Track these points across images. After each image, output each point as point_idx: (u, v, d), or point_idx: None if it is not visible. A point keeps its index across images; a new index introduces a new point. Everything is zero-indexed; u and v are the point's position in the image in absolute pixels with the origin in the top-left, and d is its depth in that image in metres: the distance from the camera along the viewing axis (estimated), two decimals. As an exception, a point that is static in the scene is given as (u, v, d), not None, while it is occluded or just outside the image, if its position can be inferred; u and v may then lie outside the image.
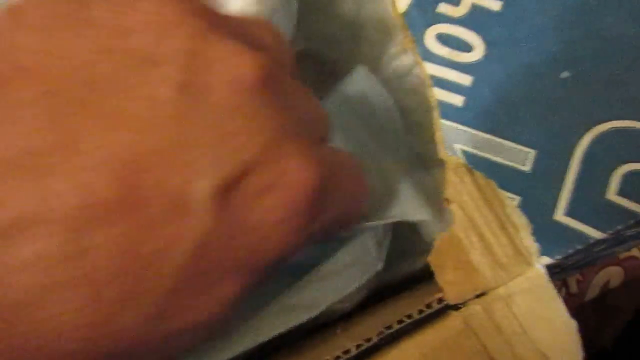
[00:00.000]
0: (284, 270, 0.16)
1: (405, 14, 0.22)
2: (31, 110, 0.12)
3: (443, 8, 0.22)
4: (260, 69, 0.14)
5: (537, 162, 0.20)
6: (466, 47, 0.22)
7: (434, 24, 0.22)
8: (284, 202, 0.14)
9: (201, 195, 0.12)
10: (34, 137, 0.11)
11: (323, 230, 0.16)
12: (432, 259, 0.20)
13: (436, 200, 0.24)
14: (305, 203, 0.14)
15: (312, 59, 0.37)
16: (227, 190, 0.13)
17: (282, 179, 0.14)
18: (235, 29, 0.15)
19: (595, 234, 0.19)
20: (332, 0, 0.37)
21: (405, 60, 0.35)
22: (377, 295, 0.24)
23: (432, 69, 0.22)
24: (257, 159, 0.13)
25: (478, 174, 0.21)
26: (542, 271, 0.19)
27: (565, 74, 0.21)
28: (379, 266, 0.22)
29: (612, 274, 0.39)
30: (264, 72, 0.14)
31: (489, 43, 0.22)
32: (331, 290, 0.21)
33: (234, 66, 0.14)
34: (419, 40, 0.22)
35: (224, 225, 0.13)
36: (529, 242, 0.20)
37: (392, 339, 0.19)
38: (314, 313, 0.21)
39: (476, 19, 0.22)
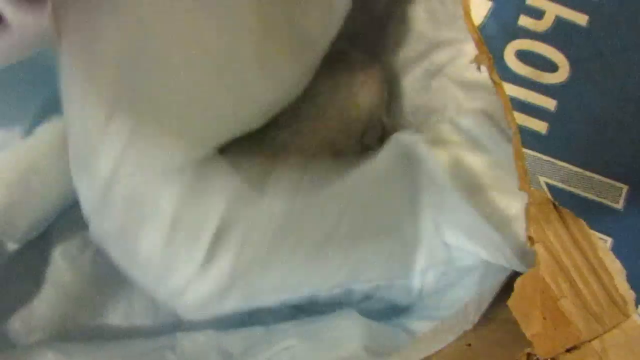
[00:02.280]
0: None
1: (482, 27, 0.20)
2: None
3: (524, 21, 0.20)
4: None
5: (630, 199, 0.18)
6: (550, 67, 0.20)
7: (515, 39, 0.20)
8: None
9: None
10: None
11: None
12: (513, 305, 0.18)
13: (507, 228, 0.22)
14: None
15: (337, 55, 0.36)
16: None
17: None
18: None
19: (698, 281, 0.18)
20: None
21: (435, 59, 0.33)
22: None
23: (512, 90, 0.20)
24: None
25: (565, 211, 0.19)
26: None
27: (661, 98, 0.19)
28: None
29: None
30: None
31: (574, 61, 0.20)
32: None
33: None
34: (497, 58, 0.20)
35: None
36: (624, 290, 0.18)
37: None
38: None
39: (561, 35, 0.20)
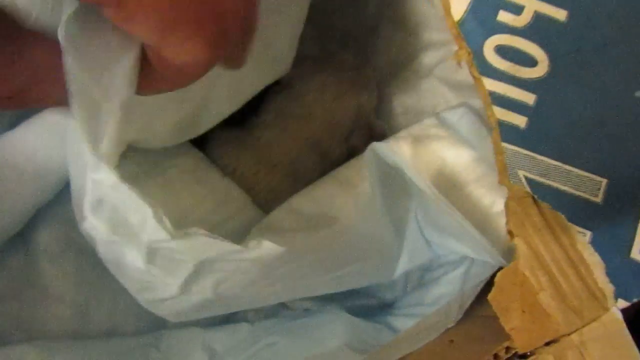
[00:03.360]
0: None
1: (461, 23, 0.20)
2: None
3: (503, 17, 0.20)
4: None
5: (609, 192, 0.18)
6: (529, 62, 0.20)
7: (494, 35, 0.20)
8: None
9: None
10: None
11: None
12: (494, 299, 0.18)
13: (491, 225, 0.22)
14: None
15: (328, 57, 0.36)
16: None
17: None
18: None
19: (677, 274, 0.18)
20: None
21: (425, 60, 0.33)
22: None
23: (492, 85, 0.20)
24: None
25: (544, 205, 0.19)
26: (618, 315, 0.18)
27: (639, 93, 0.19)
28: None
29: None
30: None
31: (553, 57, 0.20)
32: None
33: None
34: (476, 53, 0.20)
35: None
36: (603, 283, 0.18)
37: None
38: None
39: (540, 30, 0.20)
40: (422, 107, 0.34)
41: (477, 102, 0.27)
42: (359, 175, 0.23)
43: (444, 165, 0.25)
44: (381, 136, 0.32)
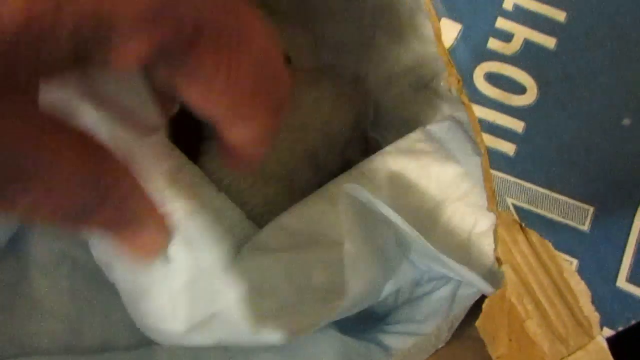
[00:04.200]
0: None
1: (452, 49, 0.20)
2: None
3: (493, 44, 0.20)
4: None
5: (596, 220, 0.19)
6: (518, 89, 0.20)
7: (484, 62, 0.20)
8: None
9: None
10: None
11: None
12: (481, 325, 0.19)
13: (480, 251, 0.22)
14: None
15: (325, 69, 0.36)
16: None
17: None
18: None
19: (662, 303, 0.18)
20: (346, 6, 0.36)
21: (421, 73, 0.33)
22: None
23: (481, 112, 0.20)
24: None
25: (532, 232, 0.19)
26: (604, 344, 0.18)
27: (626, 121, 0.20)
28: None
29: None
30: None
31: (543, 84, 0.20)
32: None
33: None
34: (467, 80, 0.20)
35: None
36: (590, 312, 0.18)
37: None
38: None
39: (529, 57, 0.20)
40: (419, 120, 0.34)
41: (464, 115, 0.28)
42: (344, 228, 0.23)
43: (429, 181, 0.25)
44: (376, 149, 0.33)
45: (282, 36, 0.35)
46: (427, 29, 0.33)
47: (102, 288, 0.28)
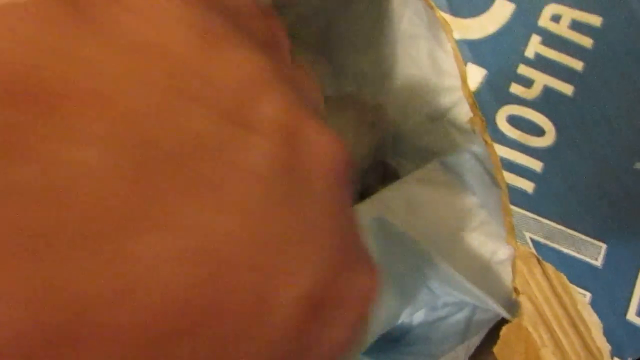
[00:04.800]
0: None
1: (477, 92, 0.22)
2: (101, 152, 0.09)
3: (515, 89, 0.22)
4: (347, 163, 0.13)
5: (608, 257, 0.20)
6: (538, 131, 0.22)
7: (506, 105, 0.22)
8: (352, 322, 0.13)
9: (287, 304, 0.11)
10: (107, 191, 0.09)
11: None
12: (498, 352, 0.20)
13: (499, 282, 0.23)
14: (365, 317, 0.13)
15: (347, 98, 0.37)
16: (314, 301, 0.11)
17: (353, 294, 0.13)
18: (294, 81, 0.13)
19: (669, 337, 0.19)
20: (368, 38, 0.37)
21: (438, 104, 0.35)
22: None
23: (502, 151, 0.21)
24: (340, 268, 0.12)
25: (548, 265, 0.20)
26: (614, 374, 0.19)
27: (638, 165, 0.21)
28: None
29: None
30: (348, 164, 0.13)
31: (560, 128, 0.21)
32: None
33: (331, 154, 0.12)
34: (490, 121, 0.22)
35: (303, 341, 0.11)
36: (601, 342, 0.19)
37: None
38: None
39: (549, 103, 0.22)
40: (433, 149, 0.35)
41: (480, 148, 0.29)
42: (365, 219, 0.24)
43: (447, 210, 0.27)
44: (394, 177, 0.34)
45: (306, 63, 0.37)
46: (446, 63, 0.34)
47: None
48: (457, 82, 0.34)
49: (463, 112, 0.34)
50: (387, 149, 0.35)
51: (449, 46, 0.34)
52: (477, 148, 0.29)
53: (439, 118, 0.35)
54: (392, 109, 0.35)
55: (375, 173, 0.33)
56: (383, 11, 0.36)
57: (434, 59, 0.36)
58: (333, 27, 0.39)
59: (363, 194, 0.32)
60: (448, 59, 0.36)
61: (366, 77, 0.38)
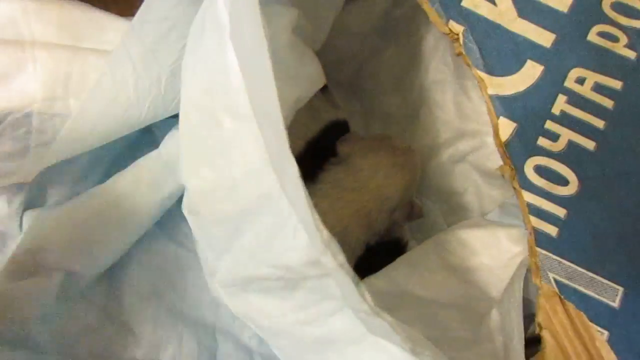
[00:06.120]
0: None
1: (507, 143, 0.25)
2: None
3: (543, 142, 0.24)
4: None
5: (625, 299, 0.22)
6: (562, 181, 0.24)
7: (534, 156, 0.24)
8: None
9: None
10: None
11: None
12: (522, 381, 0.22)
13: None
14: None
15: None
16: None
17: None
18: None
19: (680, 377, 0.20)
20: (396, 83, 0.40)
21: (460, 147, 0.37)
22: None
23: (529, 197, 0.24)
24: None
25: (569, 304, 0.22)
26: (629, 408, 0.20)
27: (654, 217, 0.23)
28: None
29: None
30: None
31: (583, 179, 0.24)
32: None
33: None
34: (519, 170, 0.24)
35: None
36: (617, 378, 0.21)
37: None
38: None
39: (572, 156, 0.24)
40: (454, 189, 0.38)
41: (505, 191, 0.31)
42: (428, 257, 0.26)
43: (498, 242, 0.29)
44: (418, 215, 0.36)
45: (339, 101, 0.40)
46: (468, 108, 0.37)
47: (179, 318, 0.31)
48: (479, 127, 0.37)
49: (484, 156, 0.36)
50: (415, 188, 0.38)
51: (473, 93, 0.37)
52: (496, 192, 0.31)
53: (460, 160, 0.38)
54: (416, 150, 0.38)
55: (403, 210, 0.36)
56: (412, 58, 0.39)
57: (458, 104, 0.38)
58: (365, 71, 0.42)
59: (390, 229, 0.34)
60: (471, 104, 0.38)
61: (392, 119, 0.41)
